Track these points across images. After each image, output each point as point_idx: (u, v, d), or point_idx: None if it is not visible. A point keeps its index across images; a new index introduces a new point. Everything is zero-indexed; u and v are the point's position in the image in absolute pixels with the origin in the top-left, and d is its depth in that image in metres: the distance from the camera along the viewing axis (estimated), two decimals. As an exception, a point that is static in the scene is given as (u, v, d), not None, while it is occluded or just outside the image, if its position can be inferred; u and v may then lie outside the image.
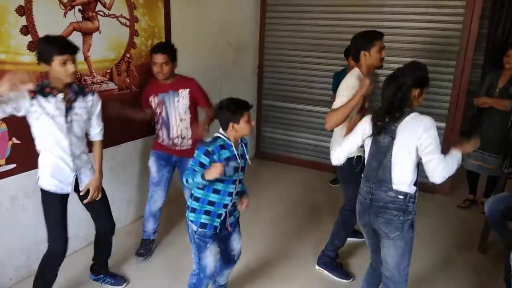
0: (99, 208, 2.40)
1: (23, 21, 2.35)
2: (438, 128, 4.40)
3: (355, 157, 2.50)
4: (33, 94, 1.99)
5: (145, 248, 2.93)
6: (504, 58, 3.41)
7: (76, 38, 2.68)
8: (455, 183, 4.30)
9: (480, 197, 3.88)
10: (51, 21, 2.51)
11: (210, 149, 1.92)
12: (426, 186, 4.23)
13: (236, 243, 2.26)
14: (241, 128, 1.97)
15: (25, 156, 2.44)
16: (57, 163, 2.14)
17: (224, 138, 1.99)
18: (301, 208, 3.85)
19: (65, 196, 2.23)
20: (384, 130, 1.92)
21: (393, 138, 1.89)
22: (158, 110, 2.80)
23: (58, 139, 2.10)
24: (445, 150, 4.63)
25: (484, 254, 3.12)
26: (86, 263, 2.75)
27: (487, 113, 3.48)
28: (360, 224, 2.10)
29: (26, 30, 2.37)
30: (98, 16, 2.82)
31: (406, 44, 4.11)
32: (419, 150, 1.85)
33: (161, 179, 2.88)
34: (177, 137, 2.84)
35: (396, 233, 1.92)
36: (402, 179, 1.89)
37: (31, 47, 2.41)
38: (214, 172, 1.84)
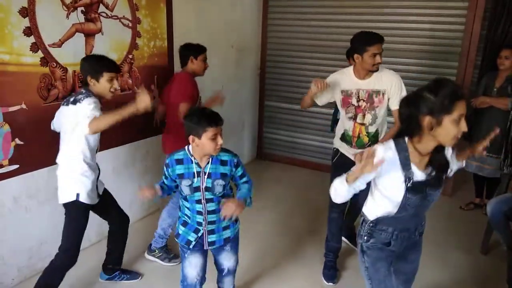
0: (108, 207, 2.46)
1: (26, 22, 2.36)
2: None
3: (334, 149, 2.69)
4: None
5: (173, 252, 2.93)
6: (498, 59, 3.42)
7: (78, 40, 2.69)
8: (458, 184, 4.30)
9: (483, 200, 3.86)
10: (54, 22, 2.52)
11: (167, 161, 1.90)
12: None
13: (226, 261, 2.14)
14: (203, 144, 1.78)
15: (28, 157, 2.45)
16: (96, 173, 2.26)
17: (187, 152, 1.89)
18: (303, 209, 3.85)
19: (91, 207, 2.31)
20: None
21: None
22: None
23: (95, 145, 2.24)
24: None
25: (486, 255, 3.10)
26: (92, 263, 2.77)
27: (486, 113, 3.48)
28: None
29: (29, 31, 2.38)
30: (101, 17, 2.83)
31: (408, 45, 4.10)
32: None
33: None
34: None
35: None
36: (366, 201, 1.80)
37: (33, 48, 2.42)
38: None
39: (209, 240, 1.99)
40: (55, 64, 2.56)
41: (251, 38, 4.82)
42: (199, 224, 1.95)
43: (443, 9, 3.92)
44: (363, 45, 2.38)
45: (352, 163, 2.02)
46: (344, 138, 2.62)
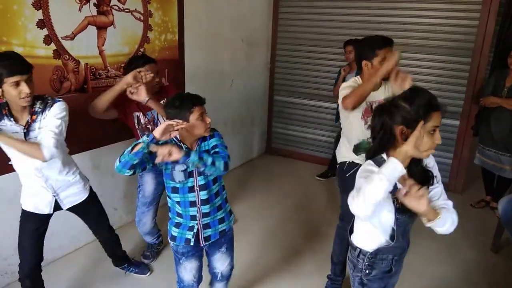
0: (93, 220, 2.34)
1: (39, 15, 2.38)
2: (452, 126, 4.33)
3: (347, 162, 2.35)
4: None
5: (151, 251, 2.89)
6: (508, 58, 3.35)
7: (91, 32, 2.71)
8: (468, 182, 4.26)
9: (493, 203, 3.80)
10: (67, 15, 2.54)
11: (161, 143, 1.72)
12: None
13: (219, 265, 2.04)
14: (193, 126, 1.71)
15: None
16: (31, 185, 1.99)
17: (176, 141, 1.79)
18: (312, 204, 3.85)
19: (45, 216, 2.09)
20: None
21: None
22: (150, 127, 2.49)
23: (23, 161, 1.90)
24: (458, 149, 4.50)
25: (497, 254, 3.08)
26: (91, 258, 2.80)
27: (494, 112, 3.43)
28: None
29: (42, 23, 2.40)
30: (113, 10, 2.84)
31: (420, 41, 4.05)
32: None
33: (155, 196, 2.68)
34: None
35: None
36: (354, 230, 1.69)
37: (47, 40, 2.44)
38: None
39: (204, 235, 1.88)
40: (67, 57, 2.58)
41: (261, 32, 4.80)
42: (193, 218, 1.85)
43: (457, 4, 3.85)
44: (372, 49, 2.13)
45: None
46: (362, 148, 2.34)
